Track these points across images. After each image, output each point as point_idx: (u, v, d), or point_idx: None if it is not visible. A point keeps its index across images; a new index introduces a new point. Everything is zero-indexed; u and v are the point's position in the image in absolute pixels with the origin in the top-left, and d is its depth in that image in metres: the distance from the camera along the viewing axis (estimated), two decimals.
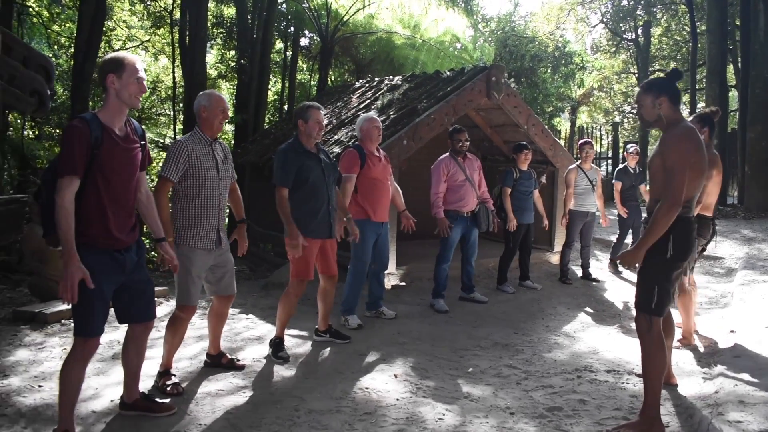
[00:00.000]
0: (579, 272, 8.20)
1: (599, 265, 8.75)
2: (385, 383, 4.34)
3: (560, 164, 8.54)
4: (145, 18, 19.17)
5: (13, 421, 3.65)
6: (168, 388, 4.06)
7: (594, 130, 22.31)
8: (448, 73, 8.74)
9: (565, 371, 4.65)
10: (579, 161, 7.93)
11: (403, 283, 7.37)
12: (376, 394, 4.13)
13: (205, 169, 4.07)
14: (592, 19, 28.85)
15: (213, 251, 4.17)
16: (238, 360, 4.66)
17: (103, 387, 4.17)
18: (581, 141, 8.39)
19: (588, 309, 6.66)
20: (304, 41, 20.58)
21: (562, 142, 15.49)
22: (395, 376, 4.49)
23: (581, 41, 28.83)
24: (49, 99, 3.59)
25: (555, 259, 8.65)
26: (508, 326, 5.88)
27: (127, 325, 3.58)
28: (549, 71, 22.05)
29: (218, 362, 4.58)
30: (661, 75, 4.05)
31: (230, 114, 4.24)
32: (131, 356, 3.64)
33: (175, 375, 4.24)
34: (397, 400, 4.05)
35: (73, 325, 5.57)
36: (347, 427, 3.64)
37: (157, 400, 3.85)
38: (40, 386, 4.21)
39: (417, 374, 4.54)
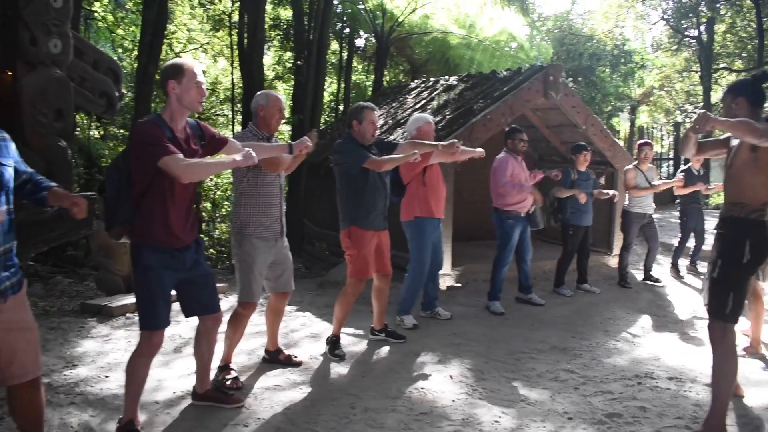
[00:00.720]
0: (639, 276, 8.01)
1: (660, 269, 8.52)
2: (441, 384, 4.34)
3: (619, 165, 8.36)
4: (205, 21, 19.56)
5: (82, 409, 3.80)
6: (228, 383, 4.17)
7: (654, 131, 21.75)
8: (504, 72, 8.66)
9: (625, 377, 4.56)
10: (636, 162, 7.74)
11: (458, 284, 7.34)
12: (431, 395, 4.13)
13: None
14: (653, 16, 28.12)
15: (274, 247, 4.24)
16: (295, 357, 4.74)
17: (166, 378, 4.31)
18: (640, 141, 8.20)
19: (648, 314, 6.49)
20: (359, 42, 20.68)
21: (621, 143, 15.15)
22: (451, 377, 4.48)
23: (641, 39, 28.14)
24: (117, 101, 3.72)
25: (613, 262, 8.47)
26: (566, 330, 5.79)
27: (191, 319, 3.68)
28: (608, 70, 21.61)
29: (276, 358, 4.66)
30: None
31: (287, 114, 4.30)
32: (203, 349, 3.74)
33: (234, 369, 4.34)
34: (453, 401, 4.04)
35: (137, 319, 5.80)
36: (403, 426, 3.65)
37: (227, 392, 3.95)
38: (106, 376, 4.37)
39: (473, 376, 4.51)
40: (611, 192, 7.47)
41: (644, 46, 26.44)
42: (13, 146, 2.72)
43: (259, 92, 4.39)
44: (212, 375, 4.26)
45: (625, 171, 7.68)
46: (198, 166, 3.15)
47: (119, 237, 3.33)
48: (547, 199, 7.48)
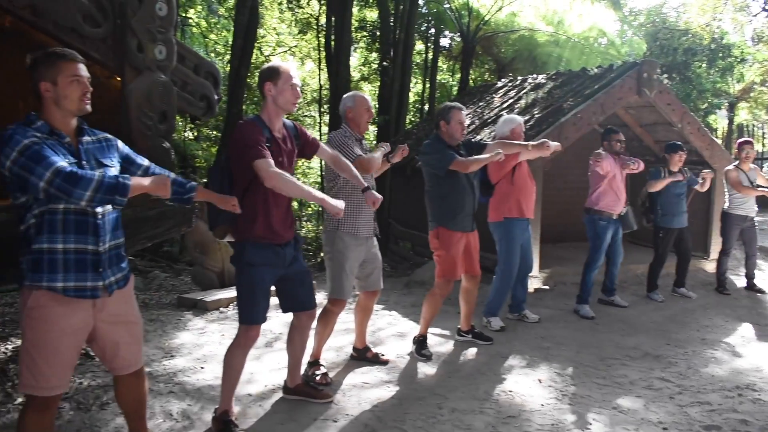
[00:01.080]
0: (739, 282, 7.63)
1: (763, 276, 8.08)
2: (529, 387, 4.28)
3: (718, 165, 7.99)
4: (293, 24, 20.03)
5: (180, 398, 3.98)
6: (317, 378, 4.26)
7: (755, 128, 20.64)
8: (595, 70, 8.44)
9: (724, 388, 4.36)
10: (737, 162, 7.37)
11: (546, 287, 7.21)
12: (519, 398, 4.09)
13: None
14: (753, 6, 26.59)
15: (365, 245, 4.31)
16: (383, 355, 4.78)
17: (259, 372, 4.44)
18: (740, 140, 7.79)
19: (749, 322, 6.18)
20: (444, 42, 20.63)
21: (719, 142, 14.49)
22: (539, 380, 4.42)
23: (740, 31, 26.74)
24: (216, 103, 3.87)
25: (710, 267, 8.11)
26: (660, 336, 5.59)
27: (282, 314, 3.78)
28: (704, 65, 20.68)
29: (364, 356, 4.72)
30: None
31: (374, 115, 4.37)
32: (296, 344, 3.84)
33: (323, 365, 4.43)
34: (542, 405, 3.98)
35: (231, 313, 6.01)
36: (491, 429, 3.63)
37: (317, 387, 4.05)
38: (202, 368, 4.56)
39: (562, 381, 4.43)
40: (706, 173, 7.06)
41: (744, 39, 25.09)
42: (119, 145, 2.86)
43: (345, 95, 4.48)
44: (302, 370, 4.38)
45: (725, 171, 7.32)
46: (285, 179, 3.17)
47: (223, 236, 3.48)
48: (639, 198, 7.25)
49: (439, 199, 4.78)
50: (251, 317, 3.41)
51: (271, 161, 3.19)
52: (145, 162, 2.92)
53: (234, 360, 3.46)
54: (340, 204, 3.24)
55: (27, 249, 2.55)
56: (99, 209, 2.62)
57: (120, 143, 2.87)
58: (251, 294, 3.38)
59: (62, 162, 2.41)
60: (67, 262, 2.56)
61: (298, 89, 3.41)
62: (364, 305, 4.63)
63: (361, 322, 4.70)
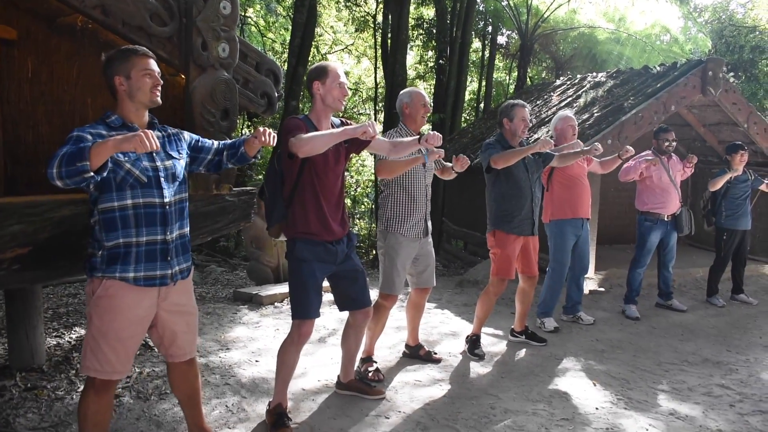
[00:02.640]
0: None
1: None
2: (584, 390, 4.22)
3: None
4: (350, 23, 20.15)
5: (235, 390, 4.06)
6: (370, 374, 4.30)
7: None
8: (657, 68, 8.23)
9: None
10: None
11: (602, 289, 7.08)
12: (574, 400, 4.04)
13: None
14: None
15: (417, 242, 4.32)
16: (435, 353, 4.79)
17: (312, 367, 4.50)
18: None
19: None
20: (501, 39, 20.44)
21: None
22: (594, 383, 4.35)
23: None
24: (276, 101, 3.94)
25: None
26: (719, 342, 5.43)
27: (346, 312, 3.81)
28: None
29: (416, 354, 4.74)
30: None
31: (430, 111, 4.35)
32: (350, 341, 3.88)
33: (376, 362, 4.46)
34: (597, 408, 3.92)
35: (285, 308, 6.10)
36: (543, 430, 3.59)
37: (370, 383, 4.09)
38: (257, 361, 4.64)
39: (617, 384, 4.35)
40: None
41: None
42: (186, 136, 2.98)
43: (402, 91, 4.50)
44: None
45: None
46: (311, 137, 3.12)
47: (278, 235, 3.55)
48: (701, 200, 7.06)
49: (497, 201, 4.76)
50: (303, 312, 3.45)
51: (303, 134, 3.16)
52: (215, 144, 3.04)
53: (287, 356, 3.51)
54: (365, 126, 3.06)
55: (99, 243, 2.67)
56: (166, 199, 2.72)
57: (187, 134, 3.00)
58: (303, 289, 3.43)
59: (80, 134, 2.52)
60: (139, 253, 2.68)
61: (346, 88, 3.45)
62: (415, 302, 4.64)
63: (414, 319, 4.71)
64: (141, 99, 2.70)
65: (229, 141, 3.07)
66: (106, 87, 2.72)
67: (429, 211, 4.42)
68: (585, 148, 4.94)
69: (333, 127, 3.51)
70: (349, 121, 3.66)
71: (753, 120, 7.59)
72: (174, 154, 2.84)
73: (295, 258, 3.44)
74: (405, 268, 4.33)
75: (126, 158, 2.61)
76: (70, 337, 4.97)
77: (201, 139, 3.04)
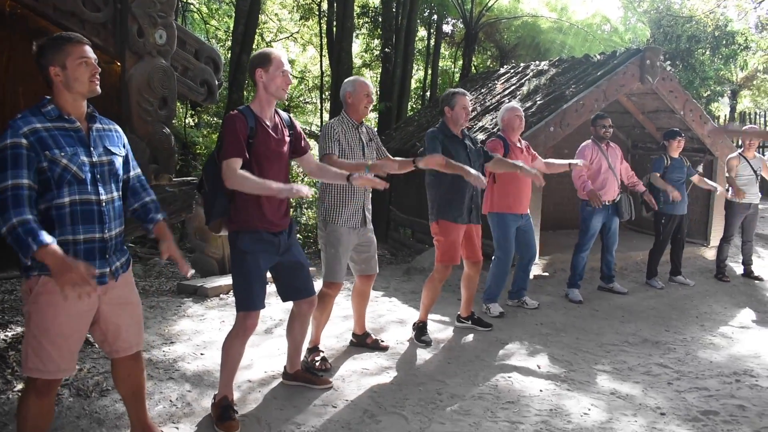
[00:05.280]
0: (738, 269, 7.64)
1: (762, 263, 8.09)
2: (528, 373, 4.30)
3: (719, 152, 7.98)
4: (295, 10, 19.94)
5: (179, 384, 3.99)
6: (317, 364, 4.28)
7: (757, 116, 20.54)
8: (598, 56, 8.40)
9: (722, 374, 4.38)
10: (741, 149, 7.37)
11: (546, 274, 7.22)
12: (518, 384, 4.11)
13: (352, 151, 4.26)
14: None
15: (357, 231, 4.33)
16: (382, 341, 4.80)
17: (258, 358, 4.46)
18: (745, 128, 7.78)
19: (748, 309, 6.20)
20: (446, 28, 20.51)
21: None
22: (538, 366, 4.44)
23: (745, 19, 26.56)
24: (217, 89, 3.86)
25: (710, 254, 8.12)
26: (658, 323, 5.61)
27: (288, 302, 3.77)
28: (707, 53, 20.57)
29: (363, 342, 4.74)
30: None
31: (374, 102, 4.33)
32: (296, 331, 3.85)
33: (323, 351, 4.45)
34: (541, 391, 4.00)
35: (231, 299, 6.02)
36: (489, 414, 3.65)
37: (316, 373, 4.07)
38: (201, 354, 4.57)
39: (561, 366, 4.45)
40: (714, 185, 7.17)
41: (748, 27, 24.93)
42: (124, 138, 2.88)
43: (346, 80, 4.47)
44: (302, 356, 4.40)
45: (728, 160, 7.31)
46: (242, 180, 3.15)
47: (219, 230, 3.48)
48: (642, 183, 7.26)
49: (439, 191, 4.77)
50: (248, 303, 3.41)
51: (238, 160, 3.17)
52: (134, 172, 2.90)
53: (232, 349, 3.47)
54: (303, 188, 3.11)
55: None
56: (103, 196, 2.64)
57: (125, 139, 2.89)
58: (247, 280, 3.39)
59: (18, 181, 2.42)
60: (77, 252, 2.59)
61: (289, 76, 3.41)
62: (360, 290, 4.64)
63: (359, 308, 4.71)
64: (79, 89, 2.58)
65: (146, 198, 2.91)
66: (40, 77, 2.59)
67: (368, 200, 4.40)
68: (523, 166, 4.98)
69: (279, 116, 3.50)
70: (298, 125, 3.62)
71: (689, 107, 7.82)
72: (114, 149, 2.74)
73: (238, 250, 3.40)
74: (346, 255, 4.33)
75: (63, 153, 2.52)
76: (5, 335, 4.79)
77: (132, 156, 2.90)
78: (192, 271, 2.80)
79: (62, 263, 2.29)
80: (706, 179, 7.21)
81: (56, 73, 2.54)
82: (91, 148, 2.63)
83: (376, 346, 4.73)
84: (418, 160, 4.09)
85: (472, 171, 4.34)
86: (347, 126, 4.29)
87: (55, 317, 2.57)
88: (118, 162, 2.75)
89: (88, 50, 2.61)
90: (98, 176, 2.63)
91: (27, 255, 2.36)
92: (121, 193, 2.80)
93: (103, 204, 2.65)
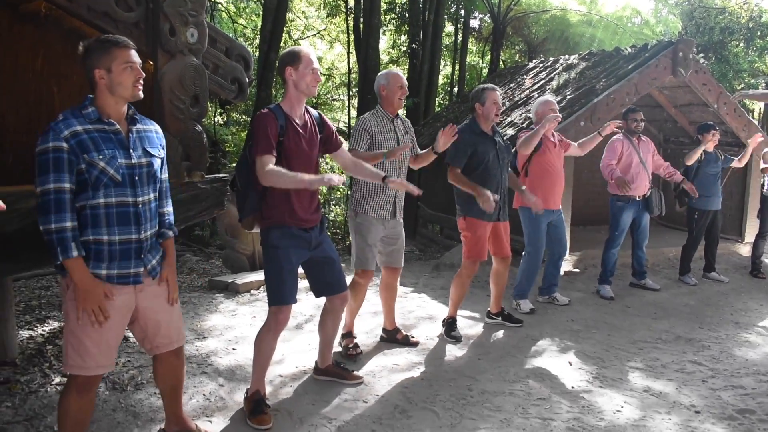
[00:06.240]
0: None
1: None
2: (560, 370, 4.27)
3: (755, 147, 7.83)
4: (322, 8, 19.98)
5: (212, 378, 4.04)
6: (350, 350, 4.39)
7: None
8: (629, 49, 8.29)
9: (758, 372, 4.30)
10: None
11: (577, 270, 7.16)
12: (550, 380, 4.08)
13: (387, 144, 4.28)
14: None
15: (386, 222, 4.35)
16: (413, 337, 4.80)
17: (289, 353, 4.49)
18: None
19: None
20: (474, 23, 20.38)
21: (755, 122, 14.11)
22: (570, 363, 4.40)
23: None
24: (247, 87, 3.89)
25: (745, 250, 7.97)
26: (692, 320, 5.53)
27: (322, 298, 3.80)
28: (741, 45, 20.13)
29: (393, 338, 4.75)
30: None
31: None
32: (328, 326, 3.88)
33: (356, 337, 4.54)
34: (572, 387, 3.97)
35: (262, 295, 6.08)
36: (520, 410, 3.63)
37: (348, 368, 4.10)
38: (233, 349, 4.62)
39: (593, 363, 4.41)
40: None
41: None
42: (163, 140, 2.91)
43: (380, 73, 4.50)
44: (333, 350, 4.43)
45: (764, 153, 7.16)
46: (277, 175, 3.18)
47: (251, 227, 3.52)
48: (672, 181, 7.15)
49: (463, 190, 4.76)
50: (280, 298, 3.45)
51: (271, 157, 3.21)
52: (165, 176, 2.92)
53: (264, 344, 3.50)
54: (334, 177, 3.14)
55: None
56: (140, 198, 2.67)
57: (164, 140, 2.91)
58: (279, 275, 3.42)
59: (60, 185, 2.49)
60: (112, 252, 2.62)
61: (318, 73, 3.43)
62: (386, 283, 4.65)
63: (388, 302, 4.72)
64: (122, 93, 2.60)
65: (165, 209, 2.92)
66: (85, 78, 2.61)
67: (401, 192, 4.37)
68: (525, 191, 5.13)
69: (309, 115, 3.52)
70: (329, 121, 3.66)
71: (722, 100, 7.69)
72: (153, 151, 2.76)
73: (270, 245, 3.43)
74: (375, 244, 4.36)
75: (101, 156, 2.54)
76: (43, 330, 4.90)
77: (164, 162, 2.91)
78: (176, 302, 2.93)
79: (85, 289, 2.50)
80: (744, 154, 7.08)
81: (101, 75, 2.56)
82: (131, 150, 2.65)
83: (407, 342, 4.73)
84: (435, 145, 4.19)
85: (486, 194, 4.44)
86: (381, 119, 4.33)
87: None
88: (157, 163, 2.78)
89: (134, 55, 2.63)
90: (136, 178, 2.66)
91: (56, 261, 2.49)
92: (157, 194, 2.82)
93: (140, 205, 2.68)
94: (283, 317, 3.47)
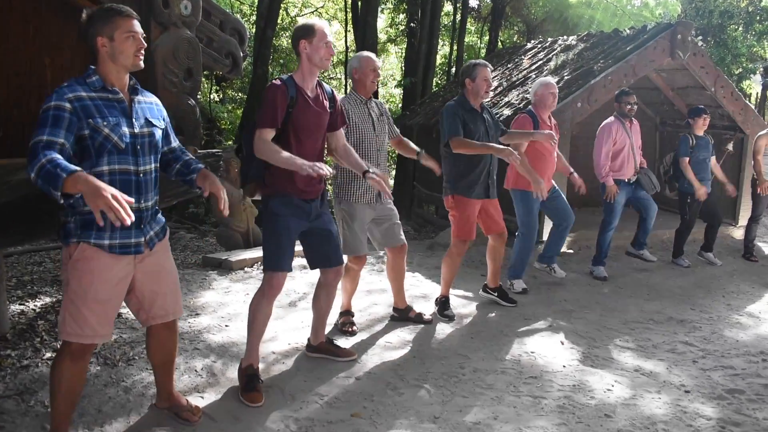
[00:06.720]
0: (766, 249, 7.51)
1: None
2: (551, 349, 4.29)
3: (751, 131, 7.82)
4: None
5: (205, 355, 4.05)
6: (345, 326, 4.47)
7: None
8: (627, 31, 8.23)
9: (749, 353, 4.33)
10: None
11: (571, 251, 7.17)
12: (541, 359, 4.10)
13: (363, 126, 4.26)
14: None
15: (372, 205, 4.33)
16: (425, 314, 4.82)
17: (282, 331, 4.50)
18: None
19: None
20: (473, 3, 20.20)
21: (752, 107, 14.07)
22: (562, 342, 4.42)
23: None
24: (242, 61, 3.85)
25: (738, 233, 7.99)
26: (684, 302, 5.55)
27: (306, 275, 3.82)
28: (740, 29, 20.02)
29: (406, 316, 4.78)
30: None
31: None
32: (322, 302, 3.90)
33: (353, 315, 4.61)
34: (564, 366, 3.99)
35: (256, 272, 6.08)
36: (512, 389, 3.65)
37: (340, 346, 4.10)
38: (226, 326, 4.63)
39: (585, 343, 4.43)
40: (724, 181, 7.02)
41: None
42: (164, 111, 2.92)
43: (353, 56, 4.45)
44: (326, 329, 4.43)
45: (757, 137, 7.14)
46: (272, 151, 3.24)
47: (253, 193, 3.57)
48: (662, 166, 7.15)
49: (455, 165, 4.73)
50: (275, 264, 3.47)
51: (271, 133, 3.29)
52: (176, 143, 2.98)
53: (258, 310, 3.51)
54: (325, 167, 3.17)
55: (73, 210, 2.61)
56: (141, 167, 2.69)
57: (165, 112, 2.94)
58: (277, 240, 3.45)
59: (53, 138, 2.40)
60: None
61: (332, 47, 3.45)
62: (392, 263, 4.64)
63: (396, 281, 4.72)
64: (123, 62, 2.62)
65: (187, 157, 2.95)
66: (77, 50, 2.62)
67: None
68: (535, 132, 5.09)
69: (321, 89, 3.55)
70: (339, 101, 3.70)
71: (720, 84, 7.66)
72: (155, 121, 2.79)
73: (270, 212, 3.47)
74: (363, 228, 4.34)
75: (105, 123, 2.56)
76: (35, 305, 4.89)
77: (171, 129, 2.97)
78: (227, 212, 2.84)
79: (95, 187, 2.20)
80: (718, 172, 7.04)
81: (103, 43, 2.58)
82: (133, 119, 2.68)
83: (420, 320, 4.75)
84: (421, 155, 4.30)
85: (501, 147, 4.49)
86: (354, 102, 4.29)
87: (92, 283, 2.62)
88: (158, 134, 2.80)
89: (137, 25, 2.65)
90: (138, 147, 2.68)
91: (57, 187, 2.21)
92: (158, 164, 2.84)
93: (141, 174, 2.70)
94: (277, 282, 3.50)
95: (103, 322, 2.69)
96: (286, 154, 3.24)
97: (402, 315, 4.79)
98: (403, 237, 4.56)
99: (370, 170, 3.62)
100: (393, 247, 4.55)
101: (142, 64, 2.68)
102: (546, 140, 5.03)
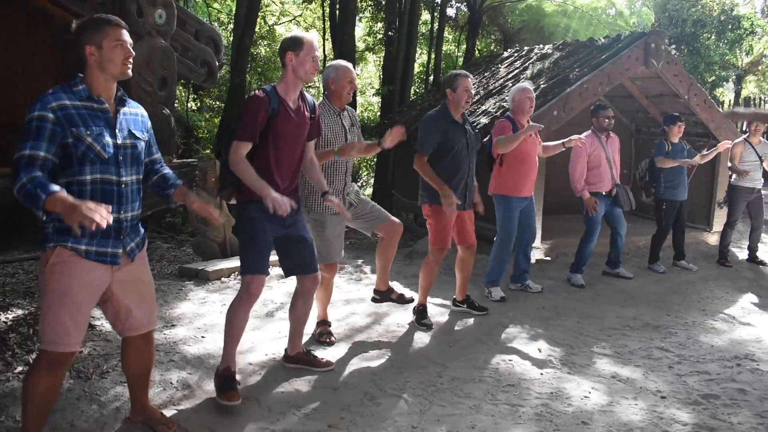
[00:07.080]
0: (740, 255, 7.61)
1: (765, 249, 8.06)
2: (529, 357, 4.30)
3: (723, 138, 7.91)
4: None
5: (180, 367, 3.99)
6: (323, 336, 4.43)
7: (762, 102, 20.42)
8: (602, 40, 8.33)
9: (723, 358, 4.37)
10: (746, 134, 7.32)
11: (548, 258, 7.21)
12: (519, 367, 4.11)
13: (335, 138, 4.23)
14: None
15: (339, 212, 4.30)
16: (407, 296, 4.86)
17: (259, 341, 4.46)
18: None
19: (750, 294, 6.19)
20: (450, 12, 20.35)
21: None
22: (539, 350, 4.44)
23: (751, 3, 26.28)
24: (217, 70, 3.84)
25: (713, 239, 8.08)
26: (660, 307, 5.60)
27: (284, 285, 3.79)
28: (713, 37, 20.35)
29: (388, 297, 4.84)
30: None
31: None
32: (299, 310, 3.87)
33: (330, 324, 4.57)
34: (541, 374, 4.00)
35: (233, 283, 6.03)
36: (490, 397, 3.65)
37: (318, 356, 4.07)
38: (203, 337, 4.57)
39: (562, 350, 4.45)
40: (714, 149, 7.06)
41: (755, 11, 24.72)
42: (149, 123, 2.93)
43: (328, 65, 4.42)
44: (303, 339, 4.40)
45: (733, 145, 7.24)
46: (242, 168, 3.29)
47: (230, 198, 3.57)
48: (637, 172, 7.23)
49: (436, 173, 4.72)
50: (254, 267, 3.46)
51: (247, 144, 3.31)
52: (158, 155, 2.99)
53: (236, 316, 3.49)
54: (286, 203, 3.20)
55: (50, 216, 2.58)
56: (123, 178, 2.69)
57: (149, 123, 2.94)
58: (253, 244, 3.45)
59: (34, 152, 2.45)
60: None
61: (318, 62, 3.45)
62: (385, 243, 4.63)
63: (383, 262, 4.73)
64: (111, 71, 2.63)
65: (165, 170, 3.00)
66: (74, 55, 2.63)
67: (348, 182, 4.40)
68: (526, 127, 5.08)
69: (303, 101, 3.55)
70: (319, 113, 3.73)
71: (693, 92, 7.76)
72: (138, 133, 2.80)
73: (246, 217, 3.48)
74: (336, 236, 4.31)
75: (88, 132, 2.57)
76: (6, 317, 4.79)
77: (154, 141, 2.98)
78: (223, 219, 2.85)
79: (70, 205, 2.29)
80: (705, 153, 7.10)
81: (91, 52, 2.60)
82: (117, 130, 2.69)
83: (402, 301, 4.79)
84: (382, 141, 4.08)
85: (451, 196, 4.53)
86: (328, 113, 4.24)
87: (69, 285, 2.61)
88: (141, 146, 2.81)
89: (125, 34, 2.67)
90: (121, 158, 2.69)
91: (38, 206, 2.34)
92: (141, 176, 2.84)
93: (123, 185, 2.70)
94: (255, 288, 3.48)
95: (80, 329, 2.68)
96: (255, 176, 3.28)
97: (384, 297, 4.82)
98: (390, 215, 4.56)
99: (329, 195, 3.65)
100: (384, 225, 4.52)
101: (130, 72, 2.69)
102: (535, 131, 5.17)
